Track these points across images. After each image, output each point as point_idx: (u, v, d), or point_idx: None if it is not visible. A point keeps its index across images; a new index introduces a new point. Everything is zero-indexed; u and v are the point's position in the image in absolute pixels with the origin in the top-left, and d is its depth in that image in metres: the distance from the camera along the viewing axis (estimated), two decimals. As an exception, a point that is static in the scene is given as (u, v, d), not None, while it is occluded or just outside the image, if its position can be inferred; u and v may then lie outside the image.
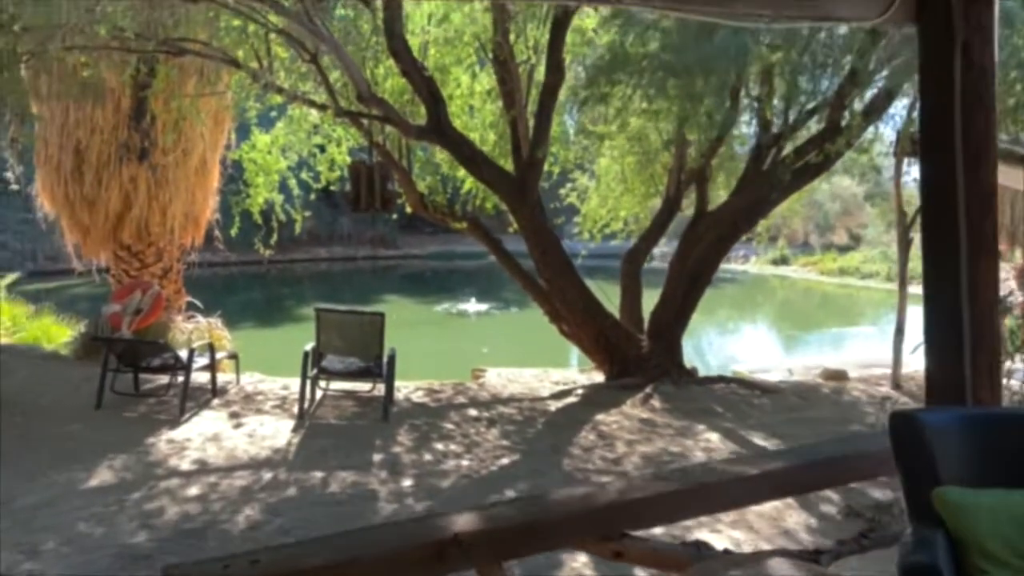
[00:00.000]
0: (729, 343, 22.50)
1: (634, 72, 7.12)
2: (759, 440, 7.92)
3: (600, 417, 8.61)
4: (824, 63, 8.02)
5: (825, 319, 26.51)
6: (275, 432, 7.84)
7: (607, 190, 12.80)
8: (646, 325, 10.59)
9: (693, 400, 9.50)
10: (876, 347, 21.15)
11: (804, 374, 14.30)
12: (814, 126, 10.00)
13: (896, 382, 10.69)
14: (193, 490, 6.31)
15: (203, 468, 6.84)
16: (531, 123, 9.63)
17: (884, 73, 8.50)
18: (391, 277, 38.89)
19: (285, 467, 6.88)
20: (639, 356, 10.07)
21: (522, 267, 10.65)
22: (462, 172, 11.21)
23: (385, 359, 8.45)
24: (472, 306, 26.75)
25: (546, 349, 20.46)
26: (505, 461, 7.16)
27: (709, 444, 7.72)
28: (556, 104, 9.43)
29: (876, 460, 3.01)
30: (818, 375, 11.84)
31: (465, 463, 7.05)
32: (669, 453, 7.42)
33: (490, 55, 9.62)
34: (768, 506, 6.26)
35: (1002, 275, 23.46)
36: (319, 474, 6.67)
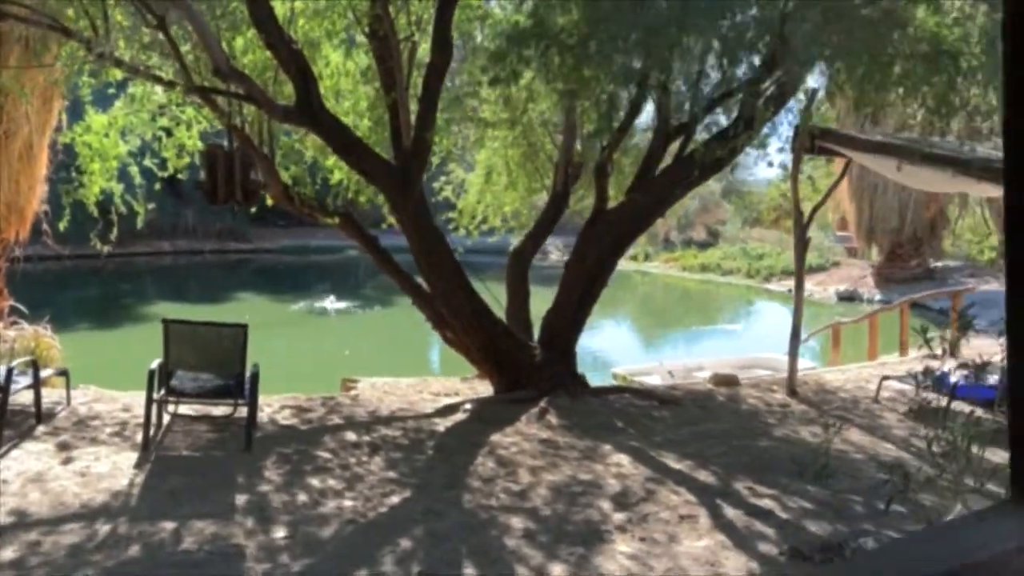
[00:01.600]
0: (600, 343, 22.01)
1: (548, 46, 6.21)
2: (672, 462, 7.19)
3: (496, 438, 7.69)
4: (739, 44, 7.32)
5: (692, 316, 26.51)
6: (114, 469, 6.54)
7: (487, 183, 11.90)
8: (537, 329, 9.76)
9: (591, 415, 8.72)
10: (750, 345, 21.17)
11: (685, 376, 13.85)
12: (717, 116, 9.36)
13: (792, 388, 10.23)
14: (7, 553, 5.02)
15: (21, 521, 5.53)
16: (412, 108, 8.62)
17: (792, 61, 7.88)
18: (241, 272, 36.84)
19: (127, 516, 5.64)
20: (532, 366, 9.21)
21: (401, 268, 9.63)
22: (331, 160, 10.10)
23: (248, 376, 7.27)
24: (332, 304, 25.38)
25: (412, 351, 19.46)
26: (395, 499, 6.14)
27: (621, 469, 6.92)
28: (442, 87, 8.43)
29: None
30: (708, 380, 11.27)
31: (348, 503, 5.99)
32: (579, 482, 6.57)
33: (366, 29, 8.53)
34: (701, 545, 5.51)
35: (857, 272, 23.67)
36: (169, 525, 5.47)
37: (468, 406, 8.84)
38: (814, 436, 8.57)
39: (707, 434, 8.35)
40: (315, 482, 6.38)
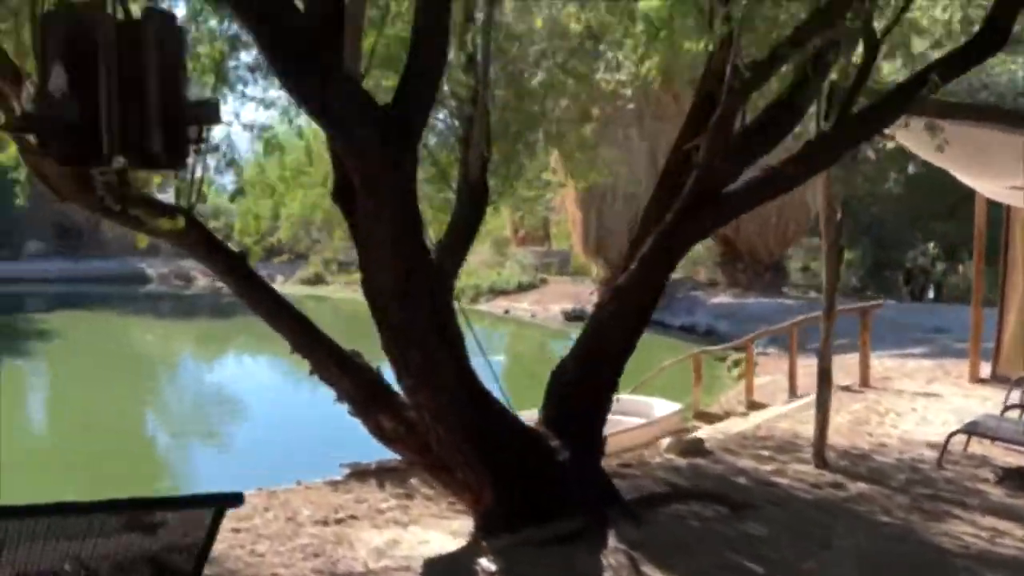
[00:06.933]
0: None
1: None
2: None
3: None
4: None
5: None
6: None
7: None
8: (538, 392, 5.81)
9: (687, 551, 5.01)
10: (526, 379, 17.98)
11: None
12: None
13: (822, 456, 7.22)
14: None
15: None
16: None
17: None
18: None
19: None
20: (553, 469, 5.24)
21: (287, 303, 5.22)
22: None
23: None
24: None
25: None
26: None
27: None
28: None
29: None
30: (667, 450, 7.93)
31: None
32: None
33: None
34: None
35: (574, 289, 21.28)
36: None
37: (489, 565, 4.68)
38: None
39: (859, 558, 5.08)
40: None
